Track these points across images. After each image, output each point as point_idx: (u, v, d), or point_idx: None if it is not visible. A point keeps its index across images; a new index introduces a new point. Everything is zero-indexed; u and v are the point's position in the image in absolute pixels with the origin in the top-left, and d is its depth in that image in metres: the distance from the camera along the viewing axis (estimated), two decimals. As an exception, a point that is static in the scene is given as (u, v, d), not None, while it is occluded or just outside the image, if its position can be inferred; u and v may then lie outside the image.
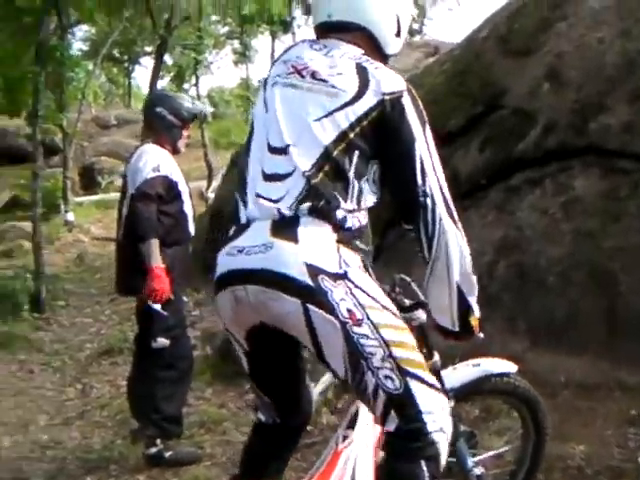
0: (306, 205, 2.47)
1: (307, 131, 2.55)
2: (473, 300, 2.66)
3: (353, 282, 2.45)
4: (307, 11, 32.21)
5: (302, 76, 2.65)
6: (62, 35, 13.23)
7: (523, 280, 5.77)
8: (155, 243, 5.00)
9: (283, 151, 2.56)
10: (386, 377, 2.42)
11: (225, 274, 2.60)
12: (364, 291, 2.46)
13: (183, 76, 30.39)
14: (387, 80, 2.59)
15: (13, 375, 8.83)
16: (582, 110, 6.02)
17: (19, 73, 11.96)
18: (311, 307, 2.40)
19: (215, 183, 17.47)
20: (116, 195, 20.14)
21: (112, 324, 10.15)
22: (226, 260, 2.60)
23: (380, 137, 2.57)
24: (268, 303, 2.47)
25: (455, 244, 2.58)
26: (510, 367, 3.28)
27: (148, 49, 35.16)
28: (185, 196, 5.35)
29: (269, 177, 2.57)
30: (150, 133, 5.48)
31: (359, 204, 2.57)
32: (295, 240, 2.44)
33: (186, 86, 32.24)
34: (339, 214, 2.50)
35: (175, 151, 5.41)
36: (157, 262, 4.99)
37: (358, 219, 2.58)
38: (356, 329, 2.41)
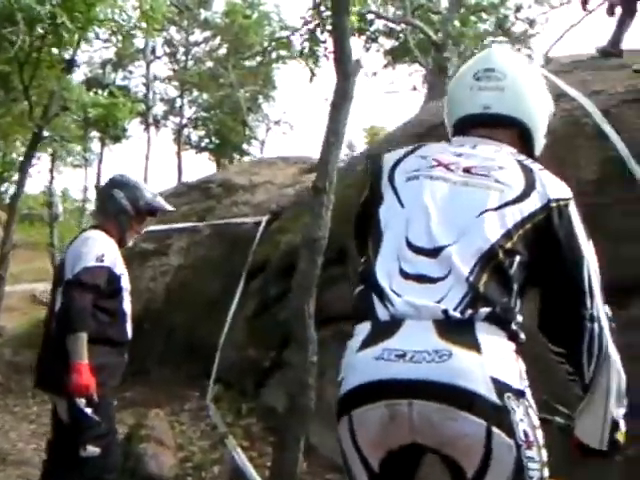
0: (483, 310, 2.14)
1: (471, 227, 2.26)
2: (621, 412, 2.40)
3: (529, 400, 2.17)
4: (148, 124, 32.42)
5: (450, 170, 2.39)
6: None
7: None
8: (83, 338, 4.41)
9: (433, 253, 2.24)
10: None
11: (378, 384, 2.14)
12: (534, 410, 2.19)
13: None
14: (554, 184, 2.37)
15: None
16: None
17: None
18: (495, 429, 2.07)
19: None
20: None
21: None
22: (377, 366, 2.14)
23: (543, 247, 2.30)
24: (443, 423, 2.08)
25: (617, 371, 2.36)
26: None
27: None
28: (126, 293, 4.81)
29: (413, 277, 2.23)
30: (100, 217, 5.01)
31: (522, 317, 2.28)
32: (477, 349, 2.09)
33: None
34: (514, 324, 2.21)
35: (121, 243, 4.89)
36: (81, 359, 4.40)
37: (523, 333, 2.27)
38: (527, 452, 2.13)
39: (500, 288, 2.19)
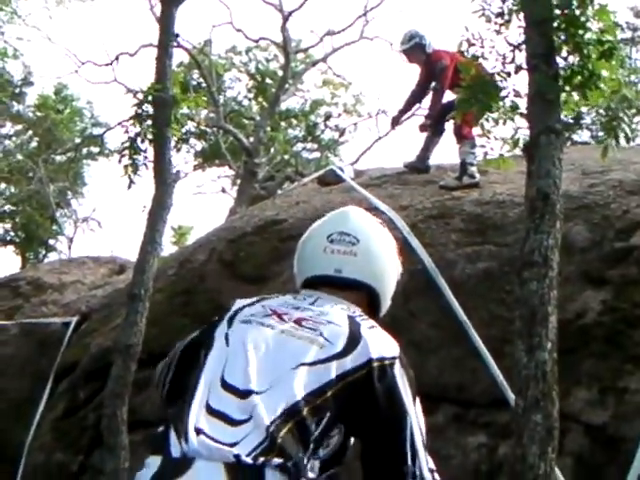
0: (275, 461, 2.12)
1: (283, 379, 2.26)
2: None
3: None
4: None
5: (283, 320, 2.43)
6: None
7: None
8: None
9: (241, 394, 2.25)
10: None
11: None
12: None
13: None
14: (378, 343, 2.37)
15: None
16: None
17: None
18: None
19: None
20: None
21: None
22: None
23: (361, 405, 2.31)
24: None
25: None
26: None
27: None
28: None
29: (215, 413, 2.22)
30: None
31: (314, 472, 2.27)
32: None
33: None
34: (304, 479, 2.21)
35: None
36: None
37: None
38: None
39: (298, 443, 2.18)
